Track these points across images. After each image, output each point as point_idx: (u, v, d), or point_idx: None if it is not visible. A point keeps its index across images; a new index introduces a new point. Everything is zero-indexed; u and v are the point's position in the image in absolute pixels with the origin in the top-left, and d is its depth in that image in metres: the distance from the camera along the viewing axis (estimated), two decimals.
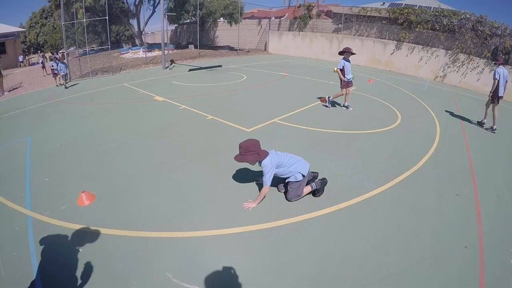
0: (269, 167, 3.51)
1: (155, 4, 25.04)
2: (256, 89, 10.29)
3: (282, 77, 12.93)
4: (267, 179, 3.54)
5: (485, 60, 14.30)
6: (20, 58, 27.09)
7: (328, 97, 8.38)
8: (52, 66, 12.34)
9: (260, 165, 3.58)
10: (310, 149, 5.43)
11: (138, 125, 6.61)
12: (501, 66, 7.17)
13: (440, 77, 15.93)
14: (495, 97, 7.22)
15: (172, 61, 16.64)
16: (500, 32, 14.11)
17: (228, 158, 4.94)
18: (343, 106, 8.29)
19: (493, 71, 8.00)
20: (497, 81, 7.11)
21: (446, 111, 9.15)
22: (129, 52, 21.83)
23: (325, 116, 7.52)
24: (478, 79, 14.47)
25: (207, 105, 8.04)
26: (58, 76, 11.82)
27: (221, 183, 4.27)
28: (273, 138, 5.91)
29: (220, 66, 15.72)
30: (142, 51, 20.81)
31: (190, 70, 14.26)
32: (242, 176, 4.46)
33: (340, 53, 7.78)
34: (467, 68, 14.91)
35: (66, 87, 11.12)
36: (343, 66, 7.70)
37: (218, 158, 5.02)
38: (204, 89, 10.04)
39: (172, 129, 6.37)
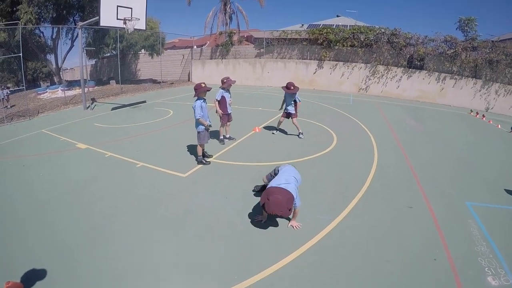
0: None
1: (73, 38, 23.38)
2: (186, 124, 9.84)
3: (210, 108, 12.69)
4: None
5: (402, 68, 16.24)
6: None
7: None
8: None
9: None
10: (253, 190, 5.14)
11: (60, 182, 5.61)
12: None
13: (363, 89, 17.56)
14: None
15: (93, 100, 15.62)
16: (413, 42, 16.27)
17: (165, 221, 4.32)
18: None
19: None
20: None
21: (376, 122, 9.90)
22: (46, 92, 20.06)
23: (262, 147, 7.38)
24: (398, 86, 16.36)
25: (136, 150, 7.32)
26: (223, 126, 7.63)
27: (161, 255, 3.64)
28: (214, 182, 5.49)
29: (144, 101, 14.99)
30: (61, 90, 19.10)
31: (113, 109, 13.30)
32: (183, 244, 3.95)
33: (286, 87, 7.73)
34: (386, 78, 16.79)
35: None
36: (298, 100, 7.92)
37: (154, 218, 4.37)
38: (130, 130, 9.24)
39: (98, 184, 5.50)
